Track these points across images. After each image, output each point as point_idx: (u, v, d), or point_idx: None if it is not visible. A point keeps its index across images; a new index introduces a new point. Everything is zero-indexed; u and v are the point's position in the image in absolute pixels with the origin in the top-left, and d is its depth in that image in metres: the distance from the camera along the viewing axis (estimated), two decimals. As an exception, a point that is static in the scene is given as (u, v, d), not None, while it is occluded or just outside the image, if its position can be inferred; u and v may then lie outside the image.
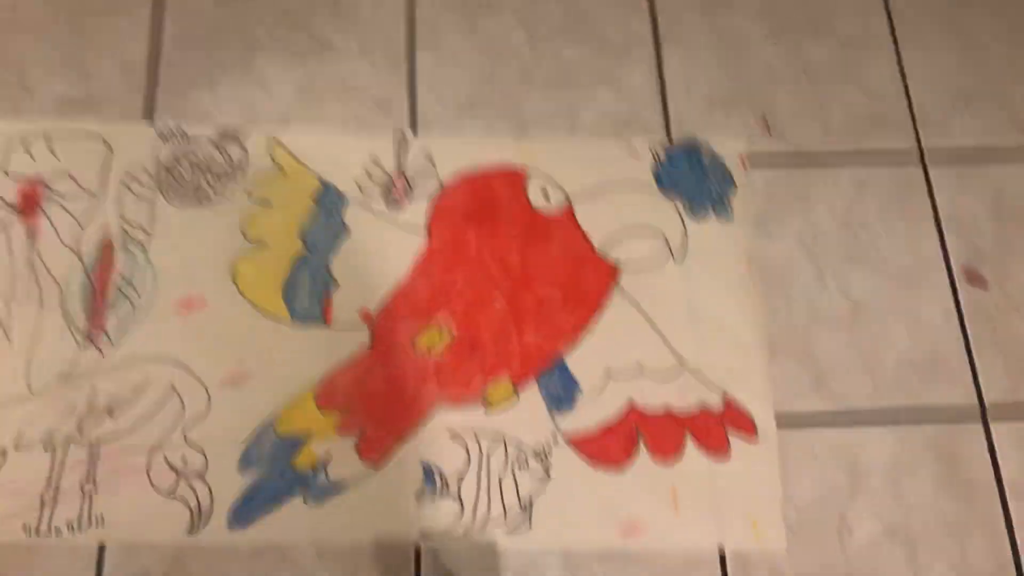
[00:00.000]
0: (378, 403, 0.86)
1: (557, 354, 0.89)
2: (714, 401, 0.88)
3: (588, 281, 0.92)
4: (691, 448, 0.87)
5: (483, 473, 0.84)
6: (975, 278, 0.94)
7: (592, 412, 0.87)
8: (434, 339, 0.89)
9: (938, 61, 1.03)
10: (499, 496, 0.84)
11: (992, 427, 0.89)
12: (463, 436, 0.86)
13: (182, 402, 0.83)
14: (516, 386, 0.88)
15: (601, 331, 0.90)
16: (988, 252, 0.95)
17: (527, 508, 0.84)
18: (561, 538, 0.83)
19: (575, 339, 0.90)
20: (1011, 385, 0.90)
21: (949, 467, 0.87)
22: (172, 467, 0.81)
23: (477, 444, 0.85)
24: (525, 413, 0.87)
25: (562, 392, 0.88)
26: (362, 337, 0.88)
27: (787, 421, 0.88)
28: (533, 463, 0.85)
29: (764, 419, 0.88)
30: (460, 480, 0.84)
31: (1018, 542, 0.85)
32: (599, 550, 0.83)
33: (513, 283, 0.91)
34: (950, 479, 0.87)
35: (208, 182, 0.91)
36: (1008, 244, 0.95)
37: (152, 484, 0.81)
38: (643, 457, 0.86)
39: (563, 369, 0.89)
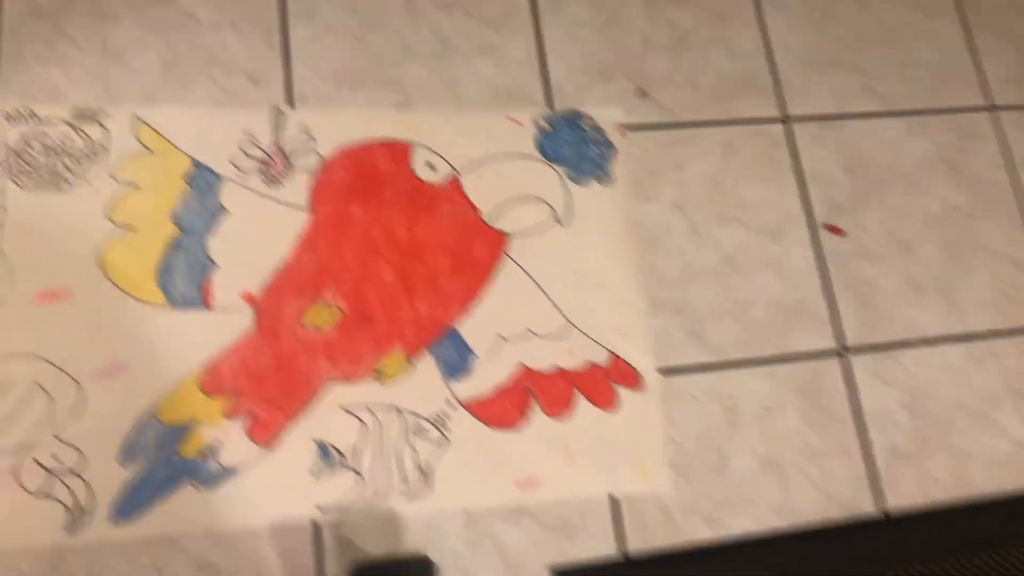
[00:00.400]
0: (267, 385, 0.87)
1: (450, 323, 0.93)
2: (601, 358, 0.95)
3: (477, 250, 0.96)
4: (582, 403, 0.93)
5: (380, 444, 0.87)
6: (833, 229, 1.05)
7: (487, 377, 0.91)
8: (322, 316, 0.90)
9: (800, 28, 1.13)
10: (398, 465, 0.87)
11: (851, 362, 1.00)
12: (357, 410, 0.88)
13: (50, 398, 0.81)
14: (410, 357, 0.91)
15: (493, 298, 0.94)
16: (844, 204, 1.06)
17: (428, 473, 0.87)
18: (462, 498, 0.87)
19: (467, 307, 0.94)
20: (865, 324, 1.02)
21: (812, 402, 0.98)
22: (43, 467, 0.79)
23: (372, 416, 0.88)
24: (420, 383, 0.90)
25: (457, 359, 0.92)
26: (246, 319, 0.88)
27: (669, 371, 0.96)
28: (430, 430, 0.89)
29: (647, 371, 0.96)
30: (357, 453, 0.86)
31: (876, 463, 0.97)
32: (499, 506, 0.87)
33: (401, 255, 0.94)
34: (813, 412, 0.97)
35: (66, 165, 0.88)
36: (862, 196, 1.07)
37: (22, 486, 0.79)
38: (537, 415, 0.92)
39: (456, 337, 0.93)
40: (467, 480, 0.87)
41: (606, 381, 0.94)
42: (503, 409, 0.91)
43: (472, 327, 0.93)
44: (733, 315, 0.99)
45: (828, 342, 1.00)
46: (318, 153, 0.95)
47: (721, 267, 1.00)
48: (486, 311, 0.93)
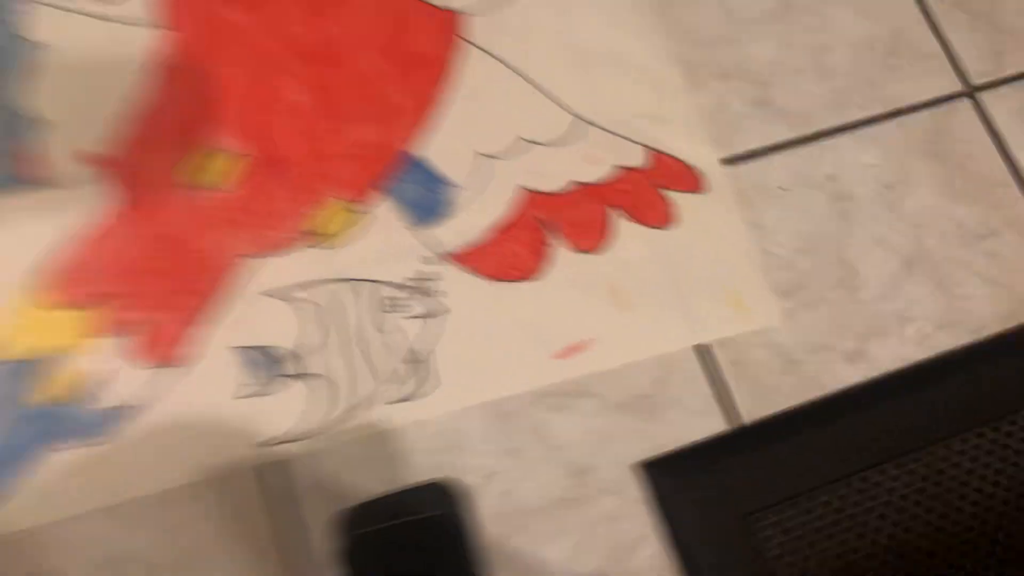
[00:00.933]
0: (147, 279, 0.59)
1: (403, 148, 0.65)
2: (636, 158, 0.67)
3: (419, 41, 0.67)
4: (623, 225, 0.65)
5: (339, 333, 0.59)
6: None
7: (476, 213, 0.64)
8: (214, 168, 0.62)
9: None
10: (374, 357, 0.59)
11: (984, 102, 0.72)
12: (292, 293, 0.60)
13: None
14: (353, 204, 0.63)
15: (461, 105, 0.66)
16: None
17: (423, 362, 0.60)
18: (480, 390, 0.60)
19: (423, 122, 0.65)
20: (993, 52, 0.74)
21: (945, 163, 0.70)
22: None
23: (316, 297, 0.60)
24: (379, 238, 0.62)
25: (426, 196, 0.64)
26: (95, 191, 0.60)
27: (737, 159, 0.68)
28: (408, 301, 0.61)
29: (707, 162, 0.68)
30: (307, 352, 0.59)
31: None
32: (537, 391, 0.60)
33: (311, 63, 0.65)
34: (952, 176, 0.70)
35: None
36: None
37: None
38: (562, 254, 0.64)
39: (418, 167, 0.65)
40: (481, 362, 0.60)
41: (650, 188, 0.66)
42: (510, 253, 0.63)
43: (440, 148, 0.64)
44: (809, 69, 0.71)
45: (948, 83, 0.72)
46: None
47: (777, 8, 0.72)
48: (455, 124, 0.65)
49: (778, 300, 0.63)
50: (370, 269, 0.61)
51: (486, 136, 0.65)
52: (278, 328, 0.59)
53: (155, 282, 0.59)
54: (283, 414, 0.57)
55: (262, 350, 0.58)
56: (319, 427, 0.57)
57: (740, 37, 0.71)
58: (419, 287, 0.61)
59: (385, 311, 0.60)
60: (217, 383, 0.57)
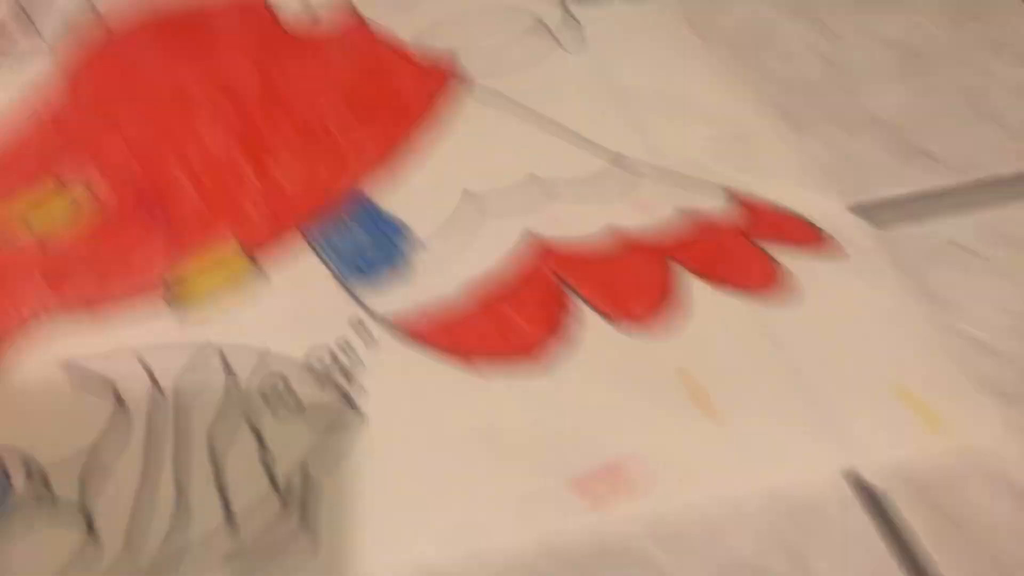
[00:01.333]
0: None
1: (351, 187, 0.44)
2: (713, 201, 0.43)
3: (404, 88, 0.50)
4: (695, 290, 0.39)
5: (158, 446, 0.33)
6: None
7: (450, 268, 0.40)
8: (53, 211, 0.42)
9: None
10: (225, 483, 0.32)
11: None
12: (105, 366, 0.36)
13: None
14: (255, 252, 0.41)
15: (453, 141, 0.46)
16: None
17: (298, 506, 0.32)
18: (406, 559, 0.30)
19: (385, 161, 0.45)
20: None
21: None
22: None
23: (146, 377, 0.35)
24: (289, 294, 0.39)
25: (374, 243, 0.41)
26: None
27: (874, 207, 0.44)
28: (313, 390, 0.35)
29: (830, 213, 0.43)
30: (86, 477, 0.32)
31: None
32: (539, 551, 0.30)
33: (251, 107, 0.48)
34: None
35: None
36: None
37: None
38: (592, 330, 0.38)
39: (370, 209, 0.43)
40: (423, 504, 0.32)
41: (741, 239, 0.41)
42: (501, 324, 0.38)
43: (408, 188, 0.43)
44: (959, 116, 0.49)
45: None
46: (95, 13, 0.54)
47: (900, 62, 0.53)
48: (438, 161, 0.45)
49: (993, 403, 0.34)
50: (263, 335, 0.36)
51: (481, 173, 0.43)
52: (62, 422, 0.33)
53: None
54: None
55: (21, 454, 0.32)
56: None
57: (856, 86, 0.50)
58: (333, 367, 0.35)
59: (267, 403, 0.34)
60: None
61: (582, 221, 0.42)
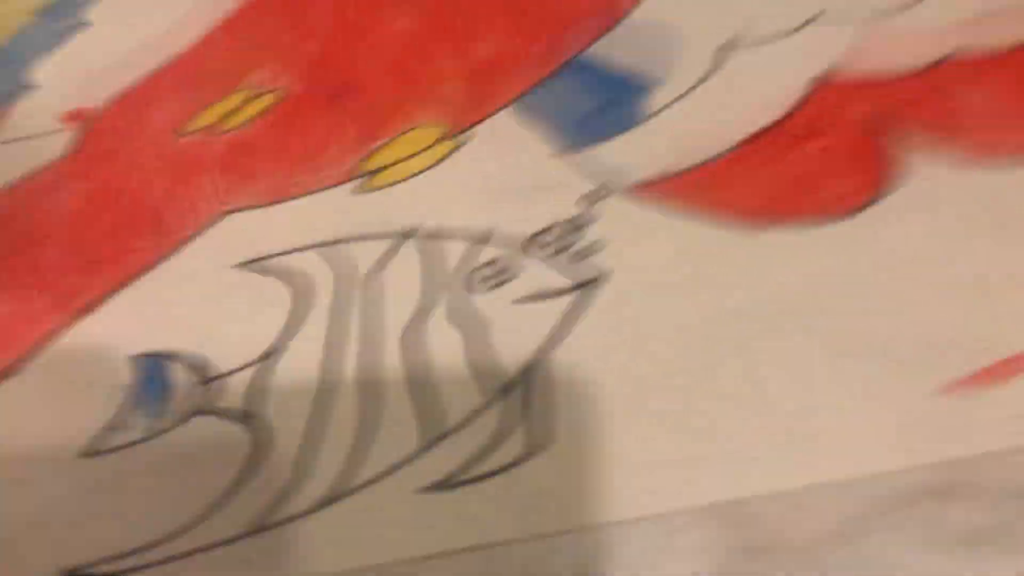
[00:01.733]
0: (65, 237, 0.33)
1: (569, 47, 0.35)
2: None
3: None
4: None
5: (341, 346, 0.26)
6: None
7: (708, 111, 0.30)
8: (240, 110, 0.38)
9: None
10: (428, 382, 0.24)
11: None
12: (287, 263, 0.29)
13: None
14: (456, 129, 0.33)
15: None
16: None
17: (538, 394, 0.23)
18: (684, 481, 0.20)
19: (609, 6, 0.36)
20: None
21: None
22: None
23: (330, 271, 0.29)
24: (497, 168, 0.31)
25: (601, 109, 0.32)
26: (56, 143, 0.38)
27: None
28: (541, 270, 0.26)
29: None
30: (259, 385, 0.25)
31: None
32: (902, 472, 0.19)
33: None
34: None
35: None
36: None
37: None
38: (933, 174, 0.26)
39: (591, 68, 0.34)
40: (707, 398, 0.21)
41: None
42: (796, 176, 0.27)
43: (646, 34, 0.34)
44: None
45: None
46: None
47: None
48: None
49: None
50: (471, 217, 0.28)
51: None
52: (238, 312, 0.27)
53: (69, 241, 0.32)
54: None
55: (160, 360, 0.26)
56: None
57: None
58: (564, 243, 0.26)
59: (477, 289, 0.26)
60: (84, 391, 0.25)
61: (906, 51, 0.30)
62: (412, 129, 0.33)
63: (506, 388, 0.24)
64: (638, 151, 0.29)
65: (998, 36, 0.29)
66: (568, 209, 0.28)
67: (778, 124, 0.29)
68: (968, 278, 0.23)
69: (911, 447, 0.20)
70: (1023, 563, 0.18)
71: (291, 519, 0.23)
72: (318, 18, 0.41)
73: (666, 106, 0.30)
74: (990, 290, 0.23)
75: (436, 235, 0.29)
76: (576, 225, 0.27)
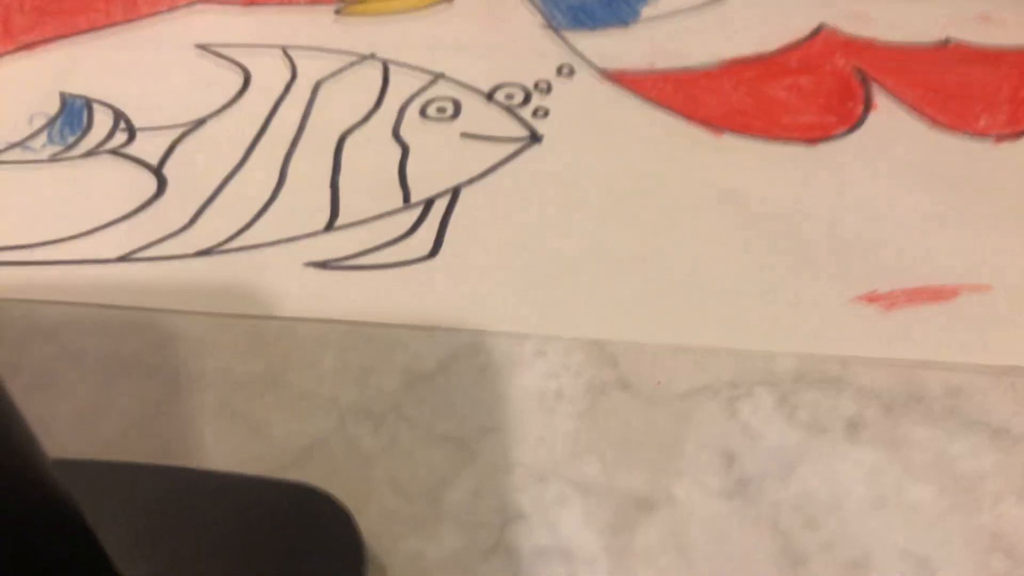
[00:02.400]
0: None
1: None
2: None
3: None
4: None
5: (278, 135, 0.25)
6: None
7: (697, 42, 0.30)
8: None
9: None
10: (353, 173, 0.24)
11: None
12: (242, 56, 0.29)
13: None
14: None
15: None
16: None
17: (428, 219, 0.23)
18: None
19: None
20: None
21: None
22: None
23: (288, 72, 0.28)
24: (479, 27, 0.31)
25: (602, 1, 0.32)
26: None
27: None
28: (491, 112, 0.26)
29: None
30: (176, 148, 0.25)
31: None
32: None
33: None
34: None
35: None
36: None
37: None
38: (895, 121, 0.26)
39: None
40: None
41: None
42: (764, 105, 0.27)
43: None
44: None
45: None
46: None
47: None
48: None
49: None
50: (442, 61, 0.28)
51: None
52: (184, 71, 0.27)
53: None
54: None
55: (89, 102, 0.25)
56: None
57: None
58: (523, 100, 0.26)
59: (430, 116, 0.26)
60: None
61: (909, 25, 0.30)
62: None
63: (426, 203, 0.24)
64: (624, 44, 0.29)
65: (994, 36, 0.30)
66: (540, 73, 0.28)
67: (773, 55, 0.29)
68: (903, 216, 0.24)
69: (807, 338, 0.20)
70: (866, 454, 0.18)
71: (167, 258, 0.22)
72: None
73: (667, 14, 0.31)
74: (920, 229, 0.23)
75: (404, 64, 0.28)
76: (541, 89, 0.27)
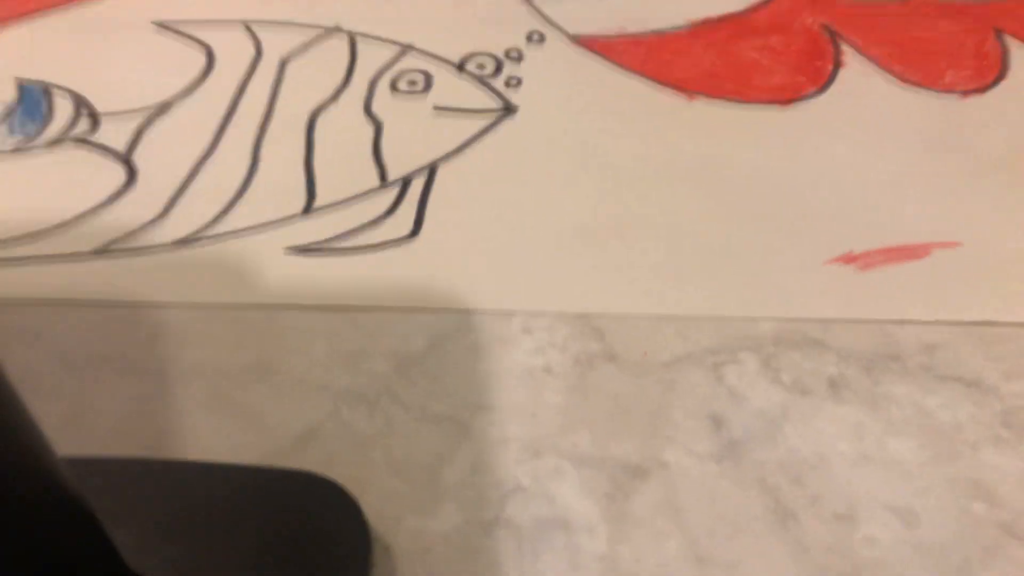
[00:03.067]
0: None
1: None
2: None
3: None
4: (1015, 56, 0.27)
5: (246, 115, 0.25)
6: None
7: (666, 4, 0.30)
8: None
9: None
10: (326, 154, 0.24)
11: None
12: (203, 33, 0.28)
13: None
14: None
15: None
16: None
17: (407, 198, 0.23)
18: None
19: None
20: None
21: None
22: None
23: (252, 48, 0.28)
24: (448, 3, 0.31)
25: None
26: None
27: None
28: (465, 87, 0.26)
29: None
30: (143, 133, 0.25)
31: None
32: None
33: None
34: None
35: None
36: None
37: None
38: (865, 81, 0.27)
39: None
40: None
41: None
42: (735, 66, 0.27)
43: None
44: None
45: None
46: None
47: None
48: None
49: None
50: (410, 32, 0.28)
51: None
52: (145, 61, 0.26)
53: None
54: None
55: (48, 88, 0.25)
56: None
57: None
58: (494, 70, 0.26)
59: (401, 90, 0.26)
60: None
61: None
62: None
63: (404, 181, 0.24)
64: (593, 8, 0.29)
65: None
66: (510, 41, 0.28)
67: (741, 15, 0.29)
68: (875, 176, 0.24)
69: (787, 302, 0.21)
70: (848, 412, 0.19)
71: (144, 249, 0.22)
72: None
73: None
74: (892, 188, 0.24)
75: (371, 35, 0.28)
76: (512, 58, 0.28)
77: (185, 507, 0.17)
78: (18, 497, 0.14)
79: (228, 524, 0.17)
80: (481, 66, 0.27)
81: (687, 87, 0.27)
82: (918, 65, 0.28)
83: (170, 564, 0.16)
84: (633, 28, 0.29)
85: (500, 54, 0.28)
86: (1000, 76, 0.27)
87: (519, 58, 0.28)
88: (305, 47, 0.28)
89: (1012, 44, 0.28)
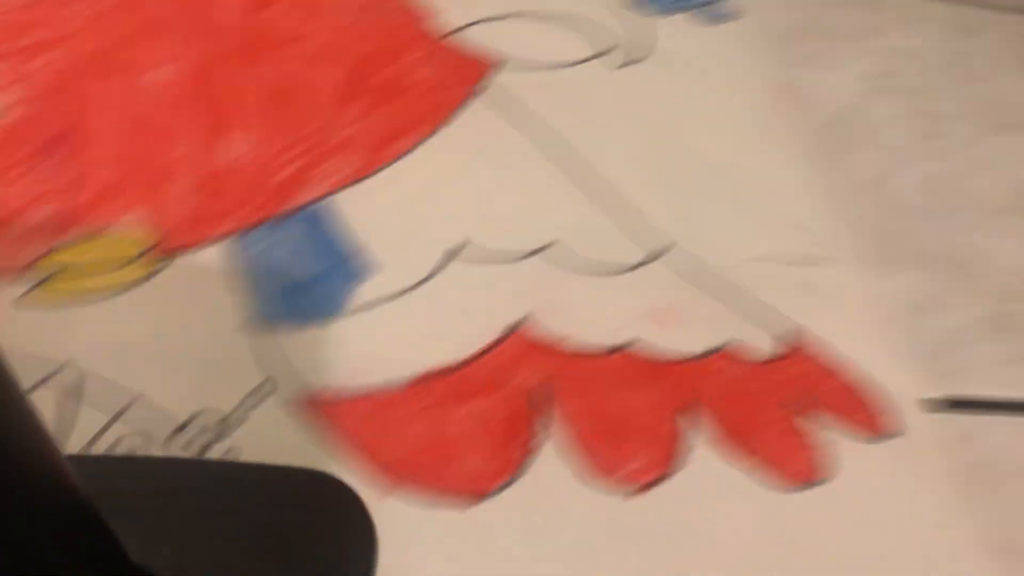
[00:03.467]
0: None
1: (308, 193, 0.36)
2: (763, 341, 0.36)
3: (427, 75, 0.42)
4: (709, 459, 0.32)
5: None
6: None
7: (394, 348, 0.32)
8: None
9: None
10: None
11: None
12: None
13: None
14: (161, 246, 0.33)
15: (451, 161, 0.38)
16: None
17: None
18: None
19: (370, 161, 0.37)
20: None
21: None
22: None
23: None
24: (182, 342, 0.31)
25: (314, 282, 0.33)
26: None
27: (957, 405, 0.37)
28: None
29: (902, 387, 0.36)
30: None
31: None
32: None
33: (220, 40, 0.40)
34: None
35: None
36: None
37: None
38: (556, 473, 0.30)
39: (313, 220, 0.35)
40: None
41: (784, 414, 0.34)
42: (442, 445, 0.30)
43: (381, 210, 0.35)
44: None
45: None
46: None
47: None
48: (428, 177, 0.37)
49: None
50: (128, 374, 0.29)
51: (481, 215, 0.36)
52: None
53: None
54: None
55: None
56: None
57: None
58: (204, 443, 0.28)
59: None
60: None
61: (592, 318, 0.33)
62: (116, 226, 0.33)
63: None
64: (323, 354, 0.31)
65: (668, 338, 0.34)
66: (228, 400, 0.29)
67: (462, 366, 0.31)
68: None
69: None
70: None
71: None
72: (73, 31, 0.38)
73: (370, 304, 0.32)
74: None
75: (77, 390, 0.29)
76: (226, 424, 0.29)
77: (189, 503, 0.18)
78: (27, 494, 0.15)
79: (232, 520, 0.18)
80: (190, 441, 0.28)
81: (392, 470, 0.29)
82: (605, 449, 0.31)
83: (174, 560, 0.18)
84: (360, 381, 0.31)
85: (214, 422, 0.29)
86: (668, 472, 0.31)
87: (235, 425, 0.29)
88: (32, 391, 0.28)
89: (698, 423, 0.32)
